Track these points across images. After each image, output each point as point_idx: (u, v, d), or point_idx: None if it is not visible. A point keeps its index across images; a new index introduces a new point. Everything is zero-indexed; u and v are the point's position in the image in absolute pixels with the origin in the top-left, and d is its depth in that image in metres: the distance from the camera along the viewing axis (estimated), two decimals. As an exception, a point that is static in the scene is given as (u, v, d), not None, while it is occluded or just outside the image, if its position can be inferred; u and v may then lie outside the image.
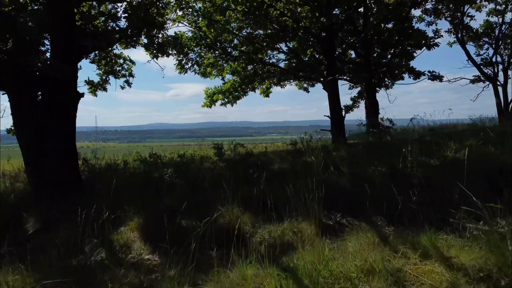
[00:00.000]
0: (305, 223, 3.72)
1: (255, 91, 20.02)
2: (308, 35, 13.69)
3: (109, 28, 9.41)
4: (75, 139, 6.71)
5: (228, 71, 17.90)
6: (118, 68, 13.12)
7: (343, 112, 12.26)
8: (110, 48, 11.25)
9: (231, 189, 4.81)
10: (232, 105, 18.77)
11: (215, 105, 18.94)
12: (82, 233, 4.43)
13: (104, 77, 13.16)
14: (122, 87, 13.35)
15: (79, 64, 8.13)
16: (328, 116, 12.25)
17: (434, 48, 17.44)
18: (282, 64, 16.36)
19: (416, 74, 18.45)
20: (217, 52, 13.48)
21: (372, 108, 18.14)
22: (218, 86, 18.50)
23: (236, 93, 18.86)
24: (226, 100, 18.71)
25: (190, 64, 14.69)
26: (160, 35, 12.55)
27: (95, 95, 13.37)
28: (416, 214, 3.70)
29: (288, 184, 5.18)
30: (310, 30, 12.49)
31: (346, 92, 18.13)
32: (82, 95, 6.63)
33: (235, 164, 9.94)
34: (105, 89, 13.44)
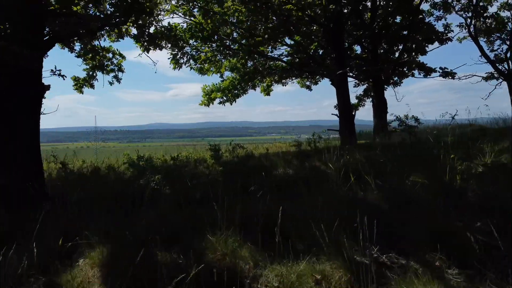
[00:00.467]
0: (330, 263, 2.60)
1: (255, 89, 18.93)
2: (314, 26, 12.57)
3: (91, 14, 8.28)
4: (39, 141, 5.58)
5: (226, 68, 16.82)
6: (106, 63, 12.01)
7: (353, 110, 11.11)
8: (93, 39, 10.14)
9: (225, 206, 3.68)
10: (231, 104, 17.64)
11: (213, 103, 17.83)
12: (29, 266, 3.33)
13: (91, 73, 12.05)
14: (111, 83, 12.23)
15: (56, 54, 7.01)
16: (336, 115, 11.13)
17: (447, 43, 16.33)
18: (284, 59, 15.21)
19: (427, 71, 17.32)
20: (214, 45, 12.34)
21: (380, 107, 17.03)
22: (216, 84, 17.41)
23: (236, 91, 17.77)
24: (225, 98, 17.59)
25: (185, 59, 13.54)
26: (151, 26, 11.44)
27: (81, 92, 12.25)
28: (490, 250, 2.59)
29: (300, 198, 4.06)
30: (316, 20, 11.37)
31: (352, 90, 16.90)
32: (47, 87, 5.51)
33: (233, 168, 8.83)
34: (92, 86, 12.31)
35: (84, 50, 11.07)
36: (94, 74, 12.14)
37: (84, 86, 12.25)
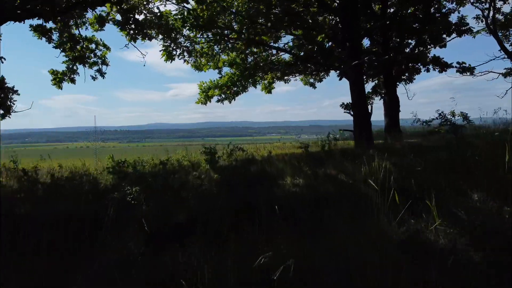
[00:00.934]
0: None
1: (256, 87, 17.54)
2: (321, 16, 11.18)
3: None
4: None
5: (225, 63, 15.46)
6: (89, 55, 10.65)
7: (370, 107, 9.66)
8: (67, 24, 8.79)
9: (215, 245, 2.33)
10: (230, 102, 16.24)
11: (210, 101, 16.45)
12: None
13: (71, 66, 10.68)
14: (94, 78, 10.87)
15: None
16: (349, 113, 9.75)
17: (467, 34, 14.97)
18: (287, 54, 13.81)
19: (443, 66, 15.90)
20: (210, 34, 10.93)
21: (392, 106, 15.64)
22: (214, 80, 16.02)
23: (235, 88, 16.40)
24: (223, 96, 16.21)
25: (179, 51, 12.14)
26: (141, 14, 10.09)
27: (60, 87, 10.87)
28: None
29: (329, 234, 2.70)
30: (327, 5, 9.98)
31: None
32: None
33: (231, 175, 7.47)
34: (72, 81, 10.95)
35: (60, 38, 9.71)
36: (75, 68, 10.78)
37: (64, 81, 10.89)
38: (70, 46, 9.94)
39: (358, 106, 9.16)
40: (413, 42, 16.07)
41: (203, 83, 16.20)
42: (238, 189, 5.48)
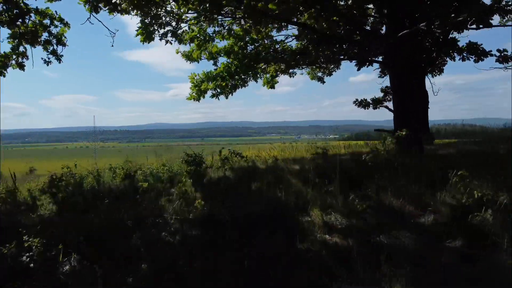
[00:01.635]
0: None
1: (256, 81, 15.01)
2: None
3: None
4: None
5: (221, 53, 13.00)
6: (39, 30, 8.13)
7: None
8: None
9: None
10: (226, 97, 13.65)
11: (203, 97, 13.87)
12: None
13: (16, 46, 8.16)
14: (47, 62, 8.33)
15: None
16: (388, 108, 7.25)
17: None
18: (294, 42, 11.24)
19: (479, 54, 13.29)
20: (200, 5, 8.39)
21: (420, 102, 13.03)
22: (207, 72, 13.50)
23: (233, 82, 13.86)
24: (219, 90, 13.67)
25: (161, 31, 9.62)
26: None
27: (3, 74, 8.32)
28: None
29: None
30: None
31: (377, 81, 12.86)
32: None
33: (222, 198, 4.97)
34: (21, 67, 8.43)
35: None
36: (23, 50, 8.26)
37: (10, 66, 8.38)
38: (9, 17, 7.38)
39: (402, 100, 6.45)
40: (441, 26, 13.52)
41: (195, 76, 13.68)
42: (228, 243, 2.96)
